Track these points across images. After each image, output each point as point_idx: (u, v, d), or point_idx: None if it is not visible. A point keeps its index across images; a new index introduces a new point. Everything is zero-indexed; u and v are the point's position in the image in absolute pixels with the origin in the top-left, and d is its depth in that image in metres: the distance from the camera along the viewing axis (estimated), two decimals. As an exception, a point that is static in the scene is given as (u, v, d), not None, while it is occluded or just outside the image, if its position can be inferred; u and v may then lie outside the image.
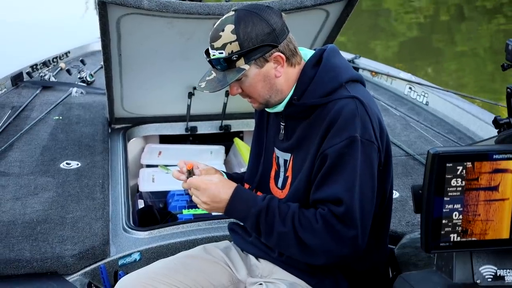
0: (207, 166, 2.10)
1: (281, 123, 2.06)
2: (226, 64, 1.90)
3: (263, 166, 2.16)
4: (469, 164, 1.63)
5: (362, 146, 1.85)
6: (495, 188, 1.67)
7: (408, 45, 10.79)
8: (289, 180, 2.03)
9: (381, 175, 1.95)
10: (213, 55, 1.91)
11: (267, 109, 2.08)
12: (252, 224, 1.94)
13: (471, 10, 13.19)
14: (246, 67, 1.90)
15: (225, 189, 1.96)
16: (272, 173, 2.13)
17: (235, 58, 1.88)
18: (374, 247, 2.02)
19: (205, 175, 2.05)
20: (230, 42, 1.87)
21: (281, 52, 1.91)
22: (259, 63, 1.91)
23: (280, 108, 2.02)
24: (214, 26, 1.92)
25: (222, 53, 1.89)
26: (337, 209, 1.83)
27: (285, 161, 2.06)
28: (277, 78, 1.94)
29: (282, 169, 2.08)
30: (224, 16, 1.92)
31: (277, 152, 2.10)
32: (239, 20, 1.87)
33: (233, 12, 1.90)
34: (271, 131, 2.14)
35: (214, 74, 1.95)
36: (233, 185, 1.98)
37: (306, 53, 2.04)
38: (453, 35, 11.45)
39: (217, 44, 1.89)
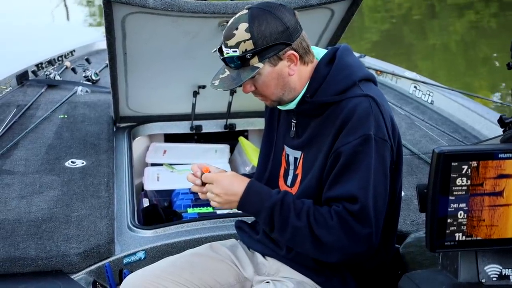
0: (219, 169, 2.07)
1: (293, 121, 2.06)
2: (240, 62, 1.89)
3: (272, 164, 2.16)
4: (474, 163, 1.63)
5: (376, 144, 1.85)
6: (499, 194, 1.66)
7: (380, 42, 10.80)
8: (299, 178, 2.03)
9: (392, 174, 1.95)
10: (227, 53, 1.91)
11: (279, 107, 2.08)
12: (266, 218, 1.92)
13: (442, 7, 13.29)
14: (260, 65, 1.89)
15: (239, 182, 1.95)
16: (281, 171, 2.13)
17: (249, 57, 1.87)
18: (382, 246, 2.02)
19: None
20: (244, 41, 1.86)
21: (295, 50, 1.91)
22: (273, 62, 1.90)
23: (292, 105, 2.01)
24: (228, 24, 1.92)
25: (236, 51, 1.88)
26: (352, 207, 1.83)
27: (295, 159, 2.06)
28: (291, 76, 1.94)
29: (291, 167, 2.08)
30: (238, 14, 1.92)
31: (287, 149, 2.10)
32: (253, 19, 1.86)
33: (247, 11, 1.90)
34: (282, 128, 2.14)
35: (227, 72, 1.94)
36: (247, 179, 1.97)
37: (319, 52, 2.04)
38: (425, 31, 11.50)
39: (231, 42, 1.88)
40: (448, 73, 8.64)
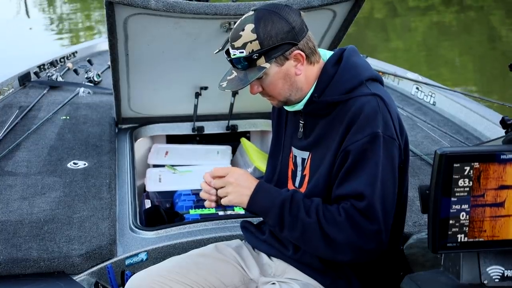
0: None
1: (300, 121, 2.07)
2: (246, 63, 1.90)
3: (281, 166, 2.16)
4: (476, 165, 1.63)
5: (384, 142, 1.86)
6: (501, 205, 1.66)
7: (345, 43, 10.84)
8: (307, 179, 2.04)
9: (399, 175, 1.95)
10: (234, 54, 1.92)
11: (286, 108, 2.09)
12: (276, 215, 1.92)
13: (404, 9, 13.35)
14: (267, 65, 1.90)
15: (252, 179, 1.98)
16: (289, 173, 2.13)
17: (255, 57, 1.89)
18: (389, 247, 2.02)
19: None
20: (251, 41, 1.88)
21: (301, 50, 1.92)
22: (279, 61, 1.91)
23: (299, 106, 2.03)
24: (234, 26, 1.94)
25: (242, 52, 1.89)
26: (359, 204, 1.84)
27: (303, 159, 2.06)
28: (297, 76, 1.95)
29: (299, 168, 2.08)
30: (244, 16, 1.93)
31: (295, 151, 2.10)
32: (259, 19, 1.88)
33: (253, 12, 1.92)
34: (289, 130, 2.15)
35: (235, 74, 1.95)
36: (256, 179, 2.00)
37: (325, 53, 2.05)
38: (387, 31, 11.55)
39: (238, 43, 1.90)
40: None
